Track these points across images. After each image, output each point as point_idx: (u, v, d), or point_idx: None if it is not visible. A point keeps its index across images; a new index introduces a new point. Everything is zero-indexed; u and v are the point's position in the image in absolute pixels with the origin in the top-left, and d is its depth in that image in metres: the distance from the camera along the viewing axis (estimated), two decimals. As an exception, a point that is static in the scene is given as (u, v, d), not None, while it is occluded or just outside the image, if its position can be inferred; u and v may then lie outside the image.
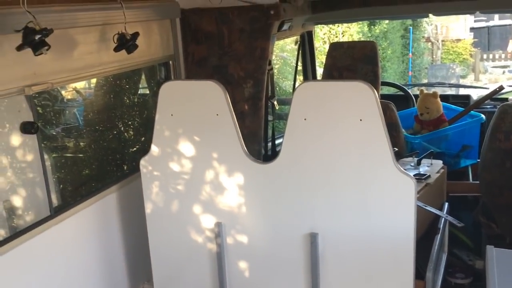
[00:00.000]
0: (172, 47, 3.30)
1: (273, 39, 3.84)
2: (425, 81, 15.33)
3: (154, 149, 2.59)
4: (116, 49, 2.49)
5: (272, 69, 3.91)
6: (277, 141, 4.41)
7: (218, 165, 2.48)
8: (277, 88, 6.81)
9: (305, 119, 2.26)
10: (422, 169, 3.16)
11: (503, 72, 17.49)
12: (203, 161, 2.51)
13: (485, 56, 17.80)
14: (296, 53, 4.80)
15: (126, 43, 2.47)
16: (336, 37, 12.32)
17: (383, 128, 2.13)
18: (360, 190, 2.24)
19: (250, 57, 3.61)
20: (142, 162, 2.64)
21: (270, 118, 4.15)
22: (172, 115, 2.50)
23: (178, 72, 3.39)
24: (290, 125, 2.31)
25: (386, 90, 5.43)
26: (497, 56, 17.93)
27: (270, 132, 4.21)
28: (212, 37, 3.58)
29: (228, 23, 3.54)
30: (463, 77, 15.61)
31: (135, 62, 2.89)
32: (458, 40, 17.44)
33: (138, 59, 2.90)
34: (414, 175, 3.09)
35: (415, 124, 4.24)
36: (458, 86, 6.28)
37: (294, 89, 5.01)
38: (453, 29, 17.57)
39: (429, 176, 3.04)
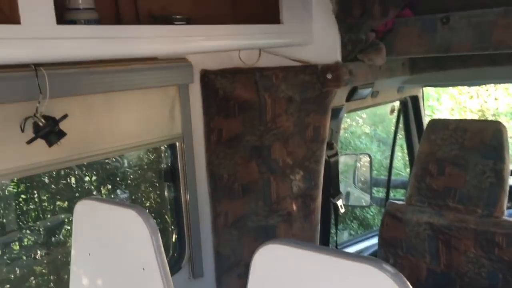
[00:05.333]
0: (179, 123, 2.37)
1: (339, 113, 2.69)
2: None
3: (74, 298, 1.63)
4: (29, 142, 1.62)
5: (336, 154, 2.74)
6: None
7: None
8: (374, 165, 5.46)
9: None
10: None
11: None
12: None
13: None
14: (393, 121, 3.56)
15: (39, 130, 1.60)
16: (487, 91, 10.26)
17: None
18: None
19: (299, 137, 2.51)
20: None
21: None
22: (89, 254, 1.52)
23: (189, 156, 2.42)
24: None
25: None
26: None
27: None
28: (249, 107, 2.56)
29: (271, 89, 2.50)
30: None
31: (92, 153, 1.98)
32: None
33: (102, 147, 2.00)
34: None
35: None
36: None
37: (390, 173, 3.72)
38: None
39: None
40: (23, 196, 3.02)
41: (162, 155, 2.48)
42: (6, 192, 2.89)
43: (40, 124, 1.58)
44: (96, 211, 1.54)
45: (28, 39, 1.32)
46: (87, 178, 3.26)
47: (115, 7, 1.98)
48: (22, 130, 1.60)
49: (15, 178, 2.84)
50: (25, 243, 2.94)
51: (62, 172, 3.10)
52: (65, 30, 1.41)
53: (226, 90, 2.53)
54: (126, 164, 2.97)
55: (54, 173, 3.02)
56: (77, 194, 3.33)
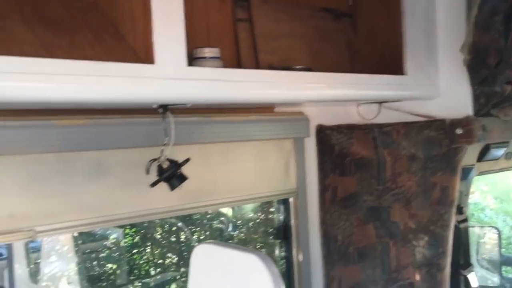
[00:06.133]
0: (294, 178, 2.28)
1: (469, 174, 2.43)
2: None
3: None
4: (153, 184, 1.63)
5: (466, 220, 2.45)
6: None
7: None
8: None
9: None
10: None
11: None
12: None
13: None
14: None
15: (163, 172, 1.60)
16: None
17: None
18: None
19: (424, 199, 2.29)
20: None
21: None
22: (205, 305, 1.43)
23: (303, 214, 2.30)
24: None
25: None
26: None
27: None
28: (367, 165, 2.41)
29: (391, 146, 2.34)
30: None
31: (207, 203, 1.95)
32: None
33: (217, 197, 1.96)
34: None
35: None
36: None
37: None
38: None
39: None
40: (135, 250, 3.08)
41: (273, 211, 2.39)
42: (120, 245, 2.96)
43: (164, 166, 1.58)
44: (214, 255, 1.46)
45: (160, 79, 1.34)
46: (195, 236, 3.26)
47: (237, 60, 2.02)
48: (148, 172, 1.61)
49: (130, 231, 2.90)
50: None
51: (173, 228, 3.14)
52: (194, 72, 1.43)
53: (342, 146, 2.42)
54: (233, 221, 2.93)
55: (166, 228, 3.06)
56: (185, 254, 3.33)
